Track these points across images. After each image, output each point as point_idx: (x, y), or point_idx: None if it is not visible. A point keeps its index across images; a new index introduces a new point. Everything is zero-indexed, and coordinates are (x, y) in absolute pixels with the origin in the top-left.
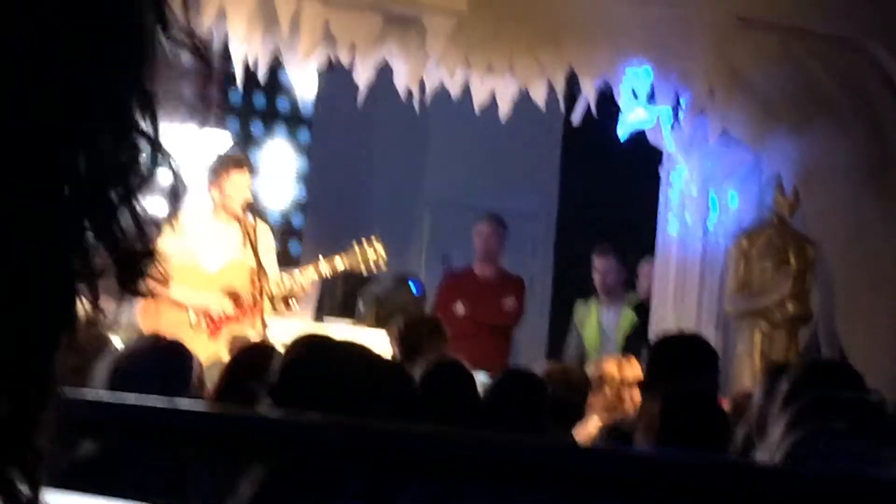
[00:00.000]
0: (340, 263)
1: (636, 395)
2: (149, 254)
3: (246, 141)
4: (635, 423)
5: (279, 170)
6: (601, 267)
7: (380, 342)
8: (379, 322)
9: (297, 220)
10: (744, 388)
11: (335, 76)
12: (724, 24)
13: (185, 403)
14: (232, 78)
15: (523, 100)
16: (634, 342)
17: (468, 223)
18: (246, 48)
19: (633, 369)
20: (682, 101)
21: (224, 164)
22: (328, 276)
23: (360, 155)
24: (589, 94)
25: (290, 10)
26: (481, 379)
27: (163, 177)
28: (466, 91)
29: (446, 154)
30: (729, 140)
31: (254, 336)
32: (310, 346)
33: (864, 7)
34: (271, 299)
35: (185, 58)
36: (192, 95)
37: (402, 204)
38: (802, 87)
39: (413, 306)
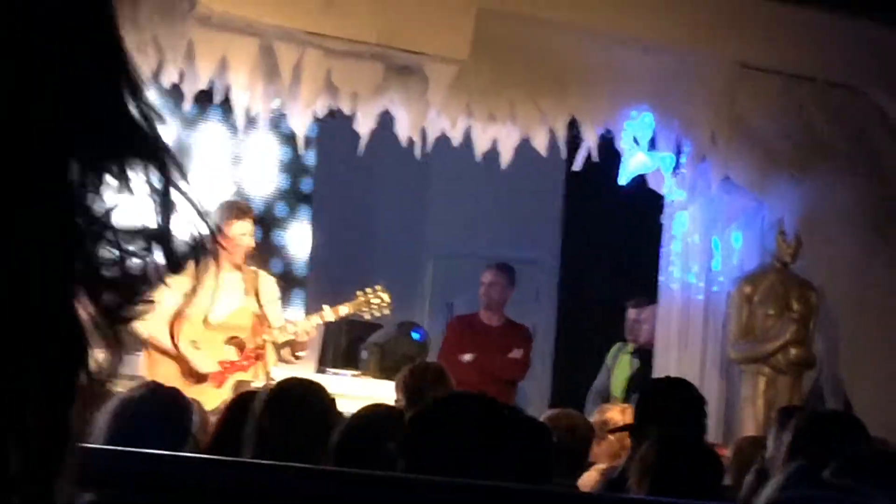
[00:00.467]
0: (345, 310)
1: None
2: (130, 301)
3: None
4: (626, 468)
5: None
6: (635, 317)
7: (383, 394)
8: (382, 371)
9: (299, 270)
10: (747, 435)
11: (337, 125)
12: (726, 71)
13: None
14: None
15: (525, 148)
16: (637, 388)
17: (471, 272)
18: (248, 97)
19: None
20: (684, 147)
21: (227, 211)
22: (333, 321)
23: (363, 204)
24: (591, 141)
25: (291, 60)
26: None
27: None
28: (468, 139)
29: (448, 203)
30: (731, 186)
31: (258, 385)
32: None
33: (865, 53)
34: (276, 348)
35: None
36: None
37: (405, 253)
38: (804, 133)
39: (416, 355)
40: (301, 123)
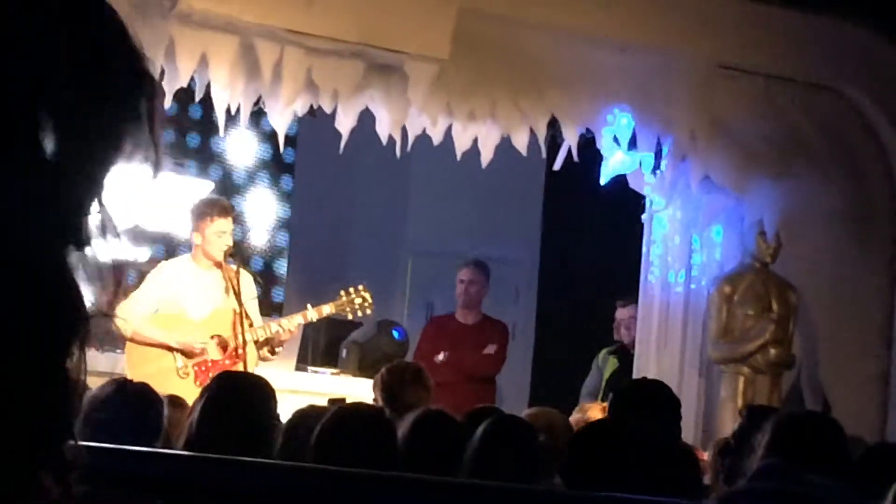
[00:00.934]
0: (329, 309)
1: None
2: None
3: (228, 188)
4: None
5: (262, 217)
6: (623, 317)
7: (363, 392)
8: (362, 370)
9: (279, 268)
10: (726, 436)
11: (317, 123)
12: (705, 71)
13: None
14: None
15: (505, 146)
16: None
17: (451, 270)
18: (228, 95)
19: None
20: (663, 147)
21: (208, 209)
22: (314, 320)
23: (343, 202)
24: (571, 140)
25: (272, 58)
26: None
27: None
28: (448, 138)
29: (429, 201)
30: (711, 186)
31: None
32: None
33: (844, 54)
34: (257, 346)
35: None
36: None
37: (385, 251)
38: (783, 132)
39: (396, 353)
40: (281, 121)
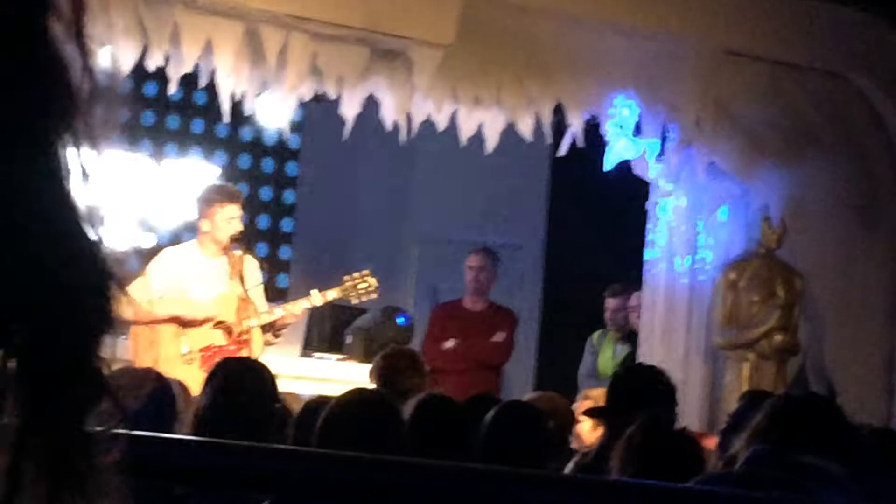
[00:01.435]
0: (333, 294)
1: None
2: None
3: (233, 173)
4: (600, 454)
5: (267, 203)
6: (613, 306)
7: (367, 378)
8: (366, 355)
9: (284, 253)
10: None
11: (322, 109)
12: (711, 57)
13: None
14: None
15: (510, 132)
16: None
17: (456, 256)
18: (233, 81)
19: None
20: (669, 133)
21: (217, 195)
22: (319, 305)
23: (348, 188)
24: (576, 126)
25: (277, 44)
26: None
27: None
28: (453, 124)
29: (434, 187)
30: (716, 172)
31: None
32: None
33: (850, 41)
34: (261, 331)
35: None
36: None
37: (390, 237)
38: (789, 119)
39: (401, 339)
40: (286, 107)
